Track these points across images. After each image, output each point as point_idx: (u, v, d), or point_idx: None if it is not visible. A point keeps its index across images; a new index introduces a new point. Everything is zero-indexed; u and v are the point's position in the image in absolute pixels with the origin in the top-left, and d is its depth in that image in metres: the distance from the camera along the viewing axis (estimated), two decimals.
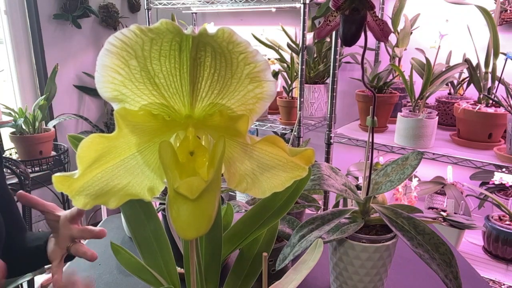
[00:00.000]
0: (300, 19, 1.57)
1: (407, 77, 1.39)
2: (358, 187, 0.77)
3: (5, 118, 1.85)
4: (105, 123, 2.55)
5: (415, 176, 1.60)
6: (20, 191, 0.68)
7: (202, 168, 0.35)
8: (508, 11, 1.53)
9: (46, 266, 0.73)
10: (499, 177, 1.53)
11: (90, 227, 0.68)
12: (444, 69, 1.38)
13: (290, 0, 1.72)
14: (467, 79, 1.55)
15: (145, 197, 0.37)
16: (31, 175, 1.55)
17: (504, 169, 1.24)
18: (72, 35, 2.29)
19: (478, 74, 1.39)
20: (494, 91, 1.35)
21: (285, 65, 1.81)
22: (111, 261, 0.91)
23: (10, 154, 2.00)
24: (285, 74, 1.83)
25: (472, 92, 1.56)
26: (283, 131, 1.81)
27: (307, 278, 0.51)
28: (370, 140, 0.70)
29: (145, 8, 2.02)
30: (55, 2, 2.17)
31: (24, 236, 0.76)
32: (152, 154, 0.36)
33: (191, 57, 0.30)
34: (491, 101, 1.35)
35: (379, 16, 0.64)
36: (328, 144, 1.59)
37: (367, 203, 0.72)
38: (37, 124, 1.91)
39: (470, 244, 1.52)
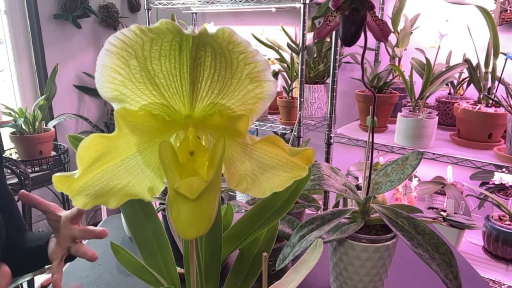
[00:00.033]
0: (300, 19, 1.57)
1: (407, 77, 1.39)
2: (358, 187, 0.77)
3: (5, 118, 1.86)
4: (105, 123, 2.55)
5: (415, 176, 1.60)
6: (22, 190, 0.68)
7: (202, 168, 0.35)
8: (508, 11, 1.53)
9: (46, 266, 0.73)
10: (499, 177, 1.53)
11: (91, 227, 0.68)
12: (444, 69, 1.38)
13: (290, 0, 1.72)
14: (467, 79, 1.55)
15: (145, 197, 0.37)
16: (31, 175, 1.55)
17: (504, 169, 1.24)
18: (72, 35, 2.29)
19: (478, 74, 1.39)
20: (494, 91, 1.35)
21: (285, 65, 1.81)
22: (111, 261, 0.91)
23: (10, 154, 2.00)
24: (285, 74, 1.83)
25: (472, 92, 1.56)
26: (283, 131, 1.81)
27: (307, 278, 0.51)
28: (370, 140, 0.70)
29: (145, 8, 2.02)
30: (55, 2, 2.17)
31: (25, 236, 0.76)
32: (152, 154, 0.36)
33: (191, 57, 0.30)
34: (491, 101, 1.35)
35: (379, 16, 0.64)
36: (328, 144, 1.59)
37: (367, 203, 0.72)
38: (37, 124, 1.91)
39: (470, 244, 1.52)
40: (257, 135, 2.21)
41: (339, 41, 1.46)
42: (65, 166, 2.07)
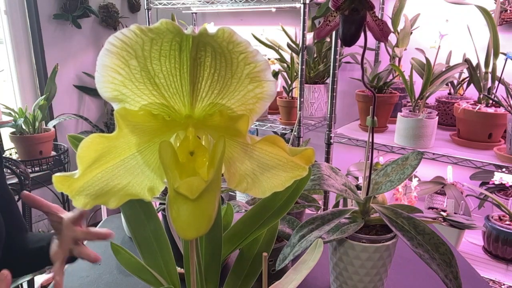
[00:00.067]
0: (300, 19, 1.57)
1: (407, 77, 1.39)
2: (358, 187, 0.77)
3: (5, 118, 1.86)
4: (105, 123, 2.55)
5: (415, 176, 1.60)
6: (25, 191, 0.67)
7: (202, 168, 0.35)
8: (508, 11, 1.53)
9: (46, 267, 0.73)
10: (499, 177, 1.53)
11: (95, 228, 0.67)
12: (444, 69, 1.38)
13: (290, 0, 1.72)
14: (467, 79, 1.55)
15: (145, 197, 0.37)
16: (31, 175, 1.55)
17: (504, 169, 1.24)
18: (72, 35, 2.29)
19: (478, 74, 1.39)
20: (494, 91, 1.35)
21: (285, 65, 1.81)
22: (111, 261, 0.91)
23: (10, 154, 2.00)
24: (285, 74, 1.83)
25: (472, 92, 1.56)
26: (283, 131, 1.81)
27: (307, 278, 0.51)
28: (370, 140, 0.70)
29: (145, 8, 2.02)
30: (55, 2, 2.17)
31: (25, 236, 0.76)
32: (152, 154, 0.36)
33: (191, 57, 0.30)
34: (491, 101, 1.35)
35: (379, 16, 0.64)
36: (328, 144, 1.59)
37: (367, 203, 0.72)
38: (37, 124, 1.91)
39: (470, 244, 1.52)
40: (257, 135, 2.21)
41: (339, 41, 1.46)
42: (65, 166, 2.07)
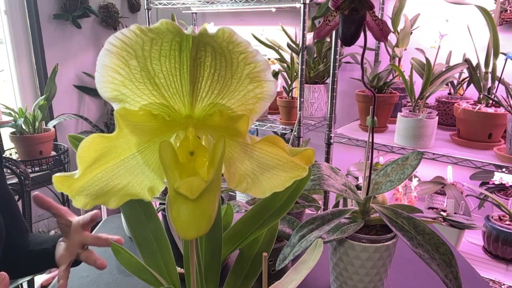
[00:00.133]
0: (300, 19, 1.57)
1: (407, 77, 1.39)
2: (358, 187, 0.77)
3: (5, 118, 1.85)
4: (105, 123, 2.55)
5: (415, 176, 1.60)
6: (36, 192, 0.67)
7: (202, 168, 0.35)
8: (508, 11, 1.53)
9: None
10: (499, 177, 1.53)
11: (105, 235, 0.66)
12: (444, 69, 1.38)
13: (290, 0, 1.72)
14: (467, 79, 1.55)
15: (145, 197, 0.37)
16: (31, 175, 1.55)
17: (504, 169, 1.24)
18: (72, 35, 2.29)
19: (478, 74, 1.39)
20: (494, 91, 1.35)
21: (285, 65, 1.81)
22: (111, 261, 0.90)
23: (10, 154, 2.00)
24: (285, 74, 1.83)
25: (472, 92, 1.56)
26: (283, 131, 1.81)
27: (307, 278, 0.51)
28: (370, 140, 0.70)
29: (145, 8, 2.02)
30: (55, 2, 2.17)
31: (26, 236, 0.76)
32: (152, 154, 0.36)
33: (191, 57, 0.30)
34: (491, 101, 1.35)
35: (379, 16, 0.64)
36: (328, 144, 1.59)
37: (367, 203, 0.72)
38: (37, 124, 1.91)
39: (470, 244, 1.52)
40: (257, 135, 2.21)
41: (339, 41, 1.46)
42: (65, 166, 2.07)
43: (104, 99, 0.32)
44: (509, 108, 1.22)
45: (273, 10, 2.16)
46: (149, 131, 0.34)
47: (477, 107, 1.33)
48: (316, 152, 0.40)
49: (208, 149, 0.35)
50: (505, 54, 1.31)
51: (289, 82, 1.80)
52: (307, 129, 1.80)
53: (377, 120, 0.71)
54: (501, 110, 1.30)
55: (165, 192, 0.79)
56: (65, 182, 0.33)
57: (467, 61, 1.41)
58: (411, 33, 1.67)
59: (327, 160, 1.61)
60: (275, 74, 1.79)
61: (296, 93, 1.79)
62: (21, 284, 1.28)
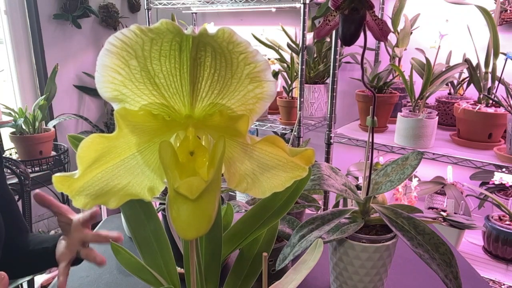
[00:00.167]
0: (300, 19, 1.57)
1: (407, 77, 1.39)
2: (358, 187, 0.77)
3: (5, 118, 1.85)
4: (105, 123, 2.55)
5: (415, 176, 1.60)
6: (37, 190, 0.67)
7: (202, 168, 0.35)
8: (508, 11, 1.53)
9: None
10: (499, 177, 1.53)
11: (105, 231, 0.67)
12: (444, 69, 1.38)
13: (290, 0, 1.72)
14: (467, 79, 1.55)
15: (145, 197, 0.37)
16: (31, 175, 1.55)
17: (504, 169, 1.24)
18: (72, 35, 2.29)
19: (478, 74, 1.39)
20: (494, 91, 1.35)
21: (285, 65, 1.81)
22: (111, 261, 0.90)
23: (10, 154, 2.00)
24: (285, 74, 1.83)
25: (472, 92, 1.56)
26: (283, 131, 1.81)
27: (307, 278, 0.51)
28: (370, 140, 0.70)
29: (145, 8, 2.02)
30: (55, 2, 2.17)
31: (26, 236, 0.76)
32: (152, 154, 0.36)
33: (191, 57, 0.30)
34: (491, 101, 1.35)
35: (379, 16, 0.64)
36: (328, 144, 1.59)
37: (367, 203, 0.72)
38: (37, 124, 1.91)
39: (470, 244, 1.52)
40: (257, 135, 2.21)
41: (339, 41, 1.46)
42: (65, 166, 2.07)
43: (104, 99, 0.32)
44: (509, 108, 1.22)
45: (273, 10, 2.16)
46: (149, 131, 0.34)
47: (477, 107, 1.33)
48: (316, 152, 0.40)
49: (208, 149, 0.35)
50: (505, 54, 1.31)
51: (289, 82, 1.80)
52: (307, 129, 1.80)
53: (377, 120, 0.71)
54: (501, 110, 1.30)
55: (165, 192, 0.79)
56: (65, 182, 0.33)
57: (467, 61, 1.41)
58: (411, 33, 1.67)
59: (327, 160, 1.61)
60: (275, 74, 1.79)
61: (296, 93, 1.79)
62: (21, 284, 1.28)
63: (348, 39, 0.61)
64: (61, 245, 0.67)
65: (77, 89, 2.39)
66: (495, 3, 1.42)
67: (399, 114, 1.42)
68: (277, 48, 1.86)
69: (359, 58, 1.81)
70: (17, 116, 1.85)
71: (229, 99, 0.33)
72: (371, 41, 1.79)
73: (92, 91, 2.42)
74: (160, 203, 0.86)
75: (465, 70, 1.48)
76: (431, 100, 1.65)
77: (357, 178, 1.56)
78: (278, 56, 1.85)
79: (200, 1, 1.87)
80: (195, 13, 2.46)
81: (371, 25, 0.63)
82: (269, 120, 1.92)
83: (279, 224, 0.69)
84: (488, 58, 1.35)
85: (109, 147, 0.33)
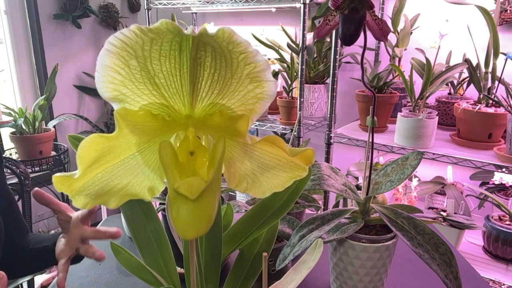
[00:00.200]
0: (300, 19, 1.57)
1: (407, 77, 1.39)
2: (358, 187, 0.77)
3: (5, 118, 1.85)
4: (105, 123, 2.55)
5: (415, 176, 1.60)
6: (36, 188, 0.67)
7: (202, 168, 0.35)
8: (508, 11, 1.53)
9: None
10: (499, 177, 1.53)
11: (104, 227, 0.67)
12: (444, 69, 1.38)
13: (290, 0, 1.72)
14: (467, 79, 1.55)
15: (145, 197, 0.37)
16: (31, 175, 1.55)
17: (504, 169, 1.24)
18: (72, 35, 2.29)
19: (478, 74, 1.39)
20: (494, 91, 1.35)
21: (285, 65, 1.81)
22: (111, 261, 0.91)
23: (10, 154, 2.00)
24: (285, 74, 1.83)
25: (472, 92, 1.56)
26: (283, 131, 1.81)
27: (307, 278, 0.51)
28: (370, 140, 0.70)
29: (145, 8, 2.02)
30: (55, 2, 2.17)
31: (26, 236, 0.76)
32: (152, 154, 0.36)
33: (191, 57, 0.30)
34: (491, 101, 1.35)
35: (379, 16, 0.64)
36: (328, 144, 1.59)
37: (367, 203, 0.72)
38: (37, 124, 1.91)
39: (470, 244, 1.52)
40: (257, 135, 2.21)
41: (339, 41, 1.46)
42: (65, 166, 2.07)
43: (104, 99, 0.32)
44: (509, 108, 1.22)
45: (273, 10, 2.16)
46: (149, 131, 0.34)
47: (477, 107, 1.33)
48: (316, 152, 0.40)
49: (208, 149, 0.35)
50: (505, 54, 1.31)
51: (289, 82, 1.80)
52: (307, 129, 1.80)
53: (377, 120, 0.71)
54: (501, 110, 1.30)
55: (165, 192, 0.79)
56: (65, 182, 0.33)
57: (467, 61, 1.41)
58: (411, 33, 1.67)
59: (327, 160, 1.61)
60: (275, 74, 1.79)
61: (296, 93, 1.79)
62: (21, 284, 1.28)
63: (348, 39, 0.61)
64: (61, 242, 0.68)
65: (77, 89, 2.39)
66: (495, 3, 1.42)
67: (399, 114, 1.42)
68: (277, 48, 1.86)
69: (359, 58, 1.81)
70: (17, 116, 1.85)
71: (229, 99, 0.33)
72: (371, 41, 1.79)
73: (92, 91, 2.42)
74: (160, 203, 0.86)
75: (465, 70, 1.48)
76: (431, 100, 1.65)
77: (357, 178, 1.56)
78: (278, 56, 1.85)
79: (200, 1, 1.87)
80: (195, 13, 2.46)
81: (371, 25, 0.63)
82: (269, 120, 1.92)
83: (279, 224, 0.69)
84: (488, 58, 1.35)
85: (109, 147, 0.33)
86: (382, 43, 1.84)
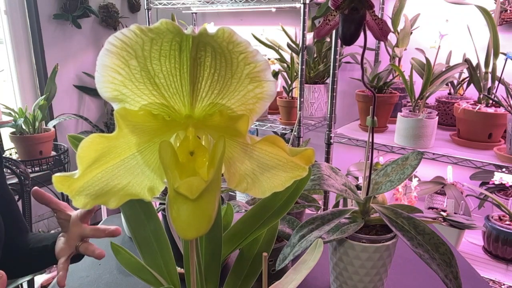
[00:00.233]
0: (300, 19, 1.57)
1: (407, 77, 1.39)
2: (358, 187, 0.77)
3: (5, 118, 1.85)
4: (105, 123, 2.55)
5: (415, 176, 1.60)
6: (36, 187, 0.68)
7: (202, 168, 0.35)
8: (508, 11, 1.53)
9: None
10: (499, 177, 1.53)
11: (103, 226, 0.68)
12: (444, 69, 1.38)
13: (290, 0, 1.72)
14: (467, 79, 1.55)
15: (145, 197, 0.37)
16: (31, 175, 1.55)
17: (504, 169, 1.24)
18: (72, 35, 2.29)
19: (478, 74, 1.39)
20: (494, 91, 1.35)
21: (285, 65, 1.81)
22: (111, 261, 0.91)
23: (10, 154, 2.00)
24: (285, 74, 1.83)
25: (472, 92, 1.56)
26: (283, 131, 1.81)
27: (307, 278, 0.51)
28: (370, 140, 0.70)
29: (145, 8, 2.02)
30: (55, 2, 2.17)
31: (26, 236, 0.76)
32: (152, 154, 0.36)
33: (191, 57, 0.30)
34: (491, 101, 1.35)
35: (379, 16, 0.64)
36: (328, 144, 1.59)
37: (367, 203, 0.72)
38: (37, 124, 1.91)
39: (470, 244, 1.52)
40: (257, 135, 2.21)
41: (339, 40, 1.47)
42: (65, 166, 2.07)
43: (104, 99, 0.32)
44: (509, 108, 1.22)
45: (273, 10, 2.16)
46: (149, 131, 0.34)
47: (477, 107, 1.33)
48: (316, 152, 0.40)
49: (208, 149, 0.35)
50: (505, 54, 1.31)
51: (289, 82, 1.80)
52: (307, 129, 1.80)
53: (377, 120, 0.71)
54: (501, 110, 1.30)
55: (165, 192, 0.79)
56: (65, 182, 0.33)
57: (467, 61, 1.41)
58: (411, 33, 1.67)
59: (327, 160, 1.61)
60: (275, 74, 1.79)
61: (296, 93, 1.79)
62: (21, 284, 1.28)
63: (348, 39, 0.61)
64: (60, 241, 0.68)
65: (77, 89, 2.39)
66: (495, 3, 1.42)
67: (399, 114, 1.42)
68: (277, 48, 1.86)
69: (359, 58, 1.81)
70: (17, 116, 1.85)
71: (229, 99, 0.33)
72: (371, 41, 1.79)
73: (92, 91, 2.42)
74: (160, 203, 0.86)
75: (465, 70, 1.48)
76: (431, 100, 1.65)
77: (357, 178, 1.56)
78: (278, 56, 1.85)
79: (200, 1, 1.87)
80: (195, 13, 2.46)
81: (371, 24, 0.63)
82: (269, 120, 1.92)
83: (279, 224, 0.69)
84: (488, 58, 1.35)
85: (109, 147, 0.33)
86: (382, 43, 1.84)
